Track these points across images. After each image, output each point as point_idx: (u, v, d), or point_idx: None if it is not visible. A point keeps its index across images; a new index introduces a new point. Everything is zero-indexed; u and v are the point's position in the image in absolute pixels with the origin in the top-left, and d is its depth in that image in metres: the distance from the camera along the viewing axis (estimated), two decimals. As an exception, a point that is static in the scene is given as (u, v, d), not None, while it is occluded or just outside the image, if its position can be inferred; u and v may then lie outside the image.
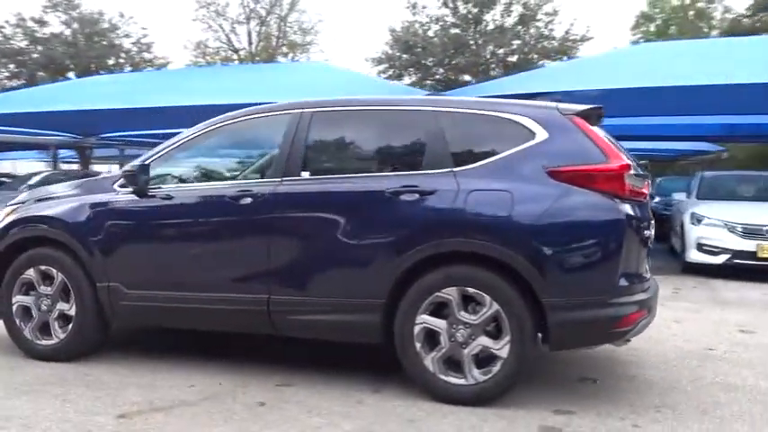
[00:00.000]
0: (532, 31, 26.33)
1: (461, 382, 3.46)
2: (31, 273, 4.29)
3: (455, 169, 3.55)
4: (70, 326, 4.21)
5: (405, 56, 26.60)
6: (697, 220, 8.86)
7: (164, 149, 4.19)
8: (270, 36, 31.88)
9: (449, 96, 3.88)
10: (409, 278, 3.54)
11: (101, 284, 4.12)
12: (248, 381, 3.86)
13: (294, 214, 3.77)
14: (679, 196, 10.70)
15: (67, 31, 32.41)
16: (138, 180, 3.99)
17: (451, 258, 3.50)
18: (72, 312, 4.20)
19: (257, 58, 30.22)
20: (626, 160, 3.44)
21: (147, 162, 4.07)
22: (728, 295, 7.37)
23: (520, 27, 26.48)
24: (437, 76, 26.59)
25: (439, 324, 3.49)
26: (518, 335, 3.36)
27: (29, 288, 4.33)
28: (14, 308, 4.33)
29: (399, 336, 3.55)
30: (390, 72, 26.31)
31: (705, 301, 6.92)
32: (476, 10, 26.37)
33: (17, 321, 4.33)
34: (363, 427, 3.20)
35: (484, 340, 3.43)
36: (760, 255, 8.35)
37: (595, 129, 3.60)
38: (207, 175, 4.31)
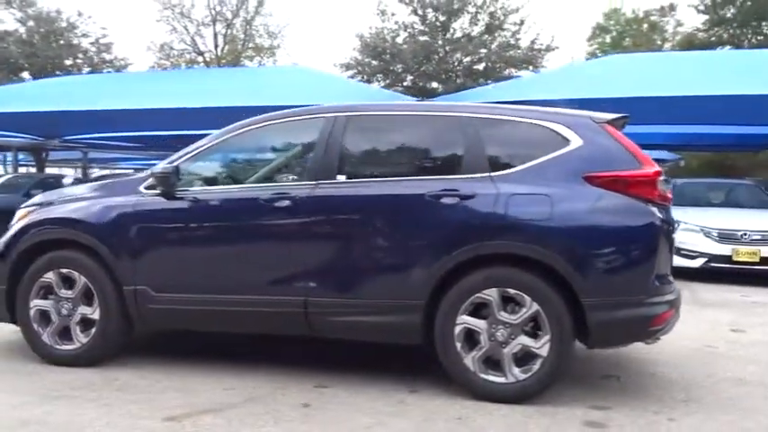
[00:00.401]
0: (500, 40, 26.77)
1: (502, 380, 3.56)
2: (50, 276, 4.19)
3: (493, 174, 3.66)
4: (93, 330, 4.14)
5: (374, 62, 26.70)
6: (674, 225, 9.20)
7: (193, 151, 4.17)
8: (235, 39, 31.55)
9: (483, 103, 3.96)
10: (449, 279, 3.63)
11: (127, 288, 4.06)
12: (284, 383, 3.87)
13: (333, 217, 3.81)
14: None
15: (22, 30, 31.43)
16: (171, 182, 3.96)
17: (491, 260, 3.60)
18: (95, 316, 4.13)
19: (223, 62, 29.85)
20: (657, 166, 3.61)
21: (177, 164, 4.05)
22: (709, 297, 7.68)
23: (486, 36, 26.90)
24: (405, 83, 26.77)
25: (479, 324, 3.59)
26: (558, 334, 3.48)
27: (47, 292, 4.24)
28: (32, 312, 4.23)
29: (440, 336, 3.62)
30: (359, 78, 26.36)
31: (691, 303, 7.19)
32: (443, 18, 26.69)
33: (35, 326, 4.24)
34: (414, 425, 3.26)
35: (524, 339, 3.54)
36: (735, 258, 8.74)
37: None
38: (237, 178, 4.29)
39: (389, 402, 3.58)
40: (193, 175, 4.17)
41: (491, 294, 3.56)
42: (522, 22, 26.53)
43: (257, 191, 3.99)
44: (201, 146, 4.18)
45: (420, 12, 26.40)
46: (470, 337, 3.62)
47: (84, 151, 22.05)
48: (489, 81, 25.79)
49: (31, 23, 31.36)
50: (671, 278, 3.76)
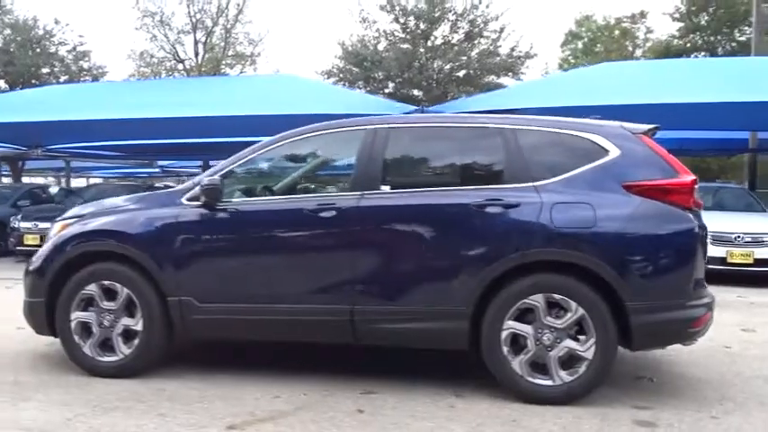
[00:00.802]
0: (481, 47, 27.09)
1: (549, 383, 3.68)
2: (92, 288, 4.21)
3: (536, 183, 3.79)
4: (136, 341, 4.17)
5: (355, 69, 26.82)
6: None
7: (234, 164, 4.24)
8: (214, 47, 31.43)
9: (522, 115, 4.10)
10: (494, 286, 3.74)
11: (172, 299, 4.10)
12: (330, 389, 3.94)
13: (379, 226, 3.90)
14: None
15: (-1, 38, 30.94)
16: (218, 194, 4.02)
17: (536, 267, 3.72)
18: (138, 327, 4.16)
19: (203, 69, 29.72)
20: (693, 175, 3.78)
21: (222, 175, 4.11)
22: (709, 299, 7.92)
23: (466, 44, 27.21)
24: (388, 90, 26.92)
25: (526, 329, 3.71)
26: (603, 337, 3.61)
27: (87, 304, 4.25)
28: (72, 324, 4.25)
29: (487, 341, 3.73)
30: (341, 85, 26.44)
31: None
32: (424, 26, 26.93)
33: (76, 338, 4.25)
34: (472, 428, 3.36)
35: (569, 343, 3.67)
36: (729, 260, 9.04)
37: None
38: (279, 189, 4.36)
39: (440, 407, 3.67)
40: (235, 187, 4.23)
41: (537, 300, 3.68)
42: (501, 30, 26.90)
43: (302, 202, 4.07)
44: (243, 158, 4.24)
45: (402, 20, 26.60)
46: (516, 342, 3.73)
47: (67, 160, 21.81)
48: (470, 89, 26.17)
49: (7, 31, 30.86)
50: (705, 282, 3.92)
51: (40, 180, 27.31)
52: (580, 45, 41.50)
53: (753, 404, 3.79)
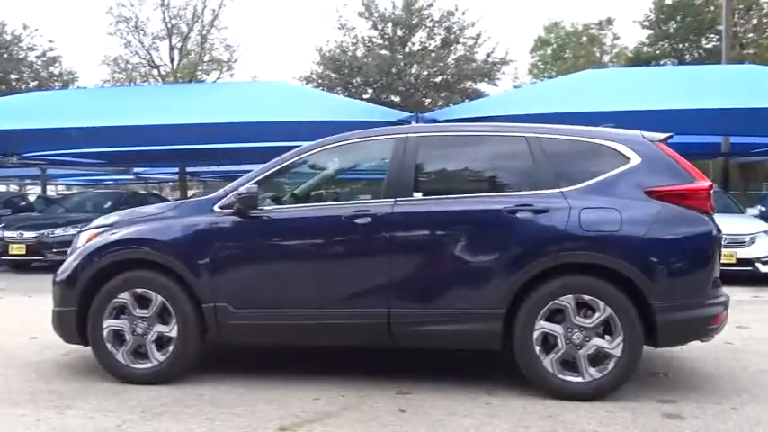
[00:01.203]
0: (459, 53, 27.51)
1: (579, 379, 3.87)
2: (125, 296, 4.27)
3: (563, 189, 3.98)
4: (170, 348, 4.23)
5: (334, 75, 26.98)
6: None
7: (265, 172, 4.34)
8: (190, 53, 31.23)
9: (545, 124, 4.29)
10: (526, 288, 3.92)
11: (207, 305, 4.18)
12: (366, 391, 4.06)
13: (414, 232, 4.05)
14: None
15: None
16: (255, 202, 4.12)
17: (565, 269, 3.91)
18: (172, 334, 4.22)
19: (179, 75, 29.51)
20: (709, 180, 4.01)
21: (257, 184, 4.21)
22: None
23: (443, 50, 27.61)
24: (366, 96, 27.14)
25: (556, 329, 3.89)
26: (630, 335, 3.81)
27: (119, 312, 4.31)
28: (105, 332, 4.29)
29: (520, 341, 3.90)
30: (319, 91, 26.56)
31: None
32: (401, 32, 27.25)
33: (108, 346, 4.30)
34: (514, 424, 3.52)
35: (598, 341, 3.86)
36: (716, 261, 9.38)
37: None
38: (311, 196, 4.48)
39: (476, 405, 3.83)
40: (269, 194, 4.34)
41: (567, 301, 3.87)
42: (478, 36, 27.37)
43: (337, 209, 4.19)
44: (276, 166, 4.35)
45: (380, 26, 26.86)
46: (547, 341, 3.91)
47: (43, 168, 21.45)
48: (448, 94, 26.53)
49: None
50: (720, 282, 4.16)
51: (12, 188, 26.76)
52: (549, 51, 42.34)
53: (766, 395, 4.03)
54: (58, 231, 12.16)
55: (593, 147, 4.12)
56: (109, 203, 14.48)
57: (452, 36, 27.55)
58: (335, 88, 27.52)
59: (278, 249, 4.22)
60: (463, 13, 27.31)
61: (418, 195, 4.12)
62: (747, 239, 9.70)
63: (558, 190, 3.98)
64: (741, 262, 9.42)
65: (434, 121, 10.21)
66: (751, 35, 25.46)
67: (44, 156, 18.61)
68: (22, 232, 11.94)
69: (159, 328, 4.25)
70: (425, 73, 27.67)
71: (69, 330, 4.40)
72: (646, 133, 4.17)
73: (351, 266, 4.11)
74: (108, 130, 11.89)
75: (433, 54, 27.10)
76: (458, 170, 4.43)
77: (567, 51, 41.29)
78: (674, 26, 26.71)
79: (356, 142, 4.41)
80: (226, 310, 4.17)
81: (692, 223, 3.92)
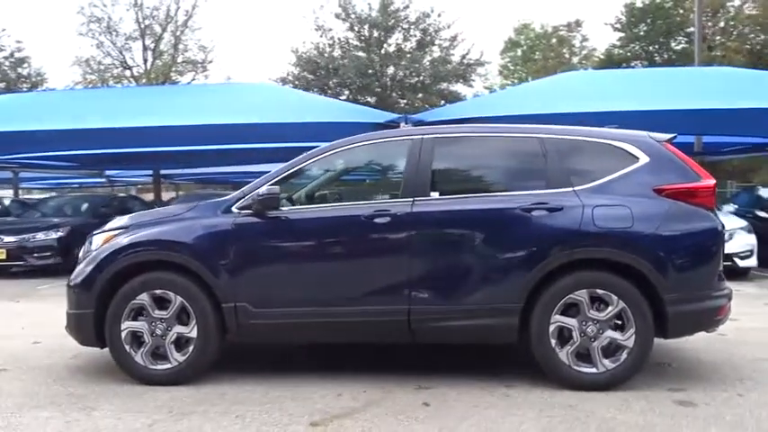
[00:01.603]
0: (435, 55, 27.76)
1: (593, 370, 4.02)
2: (144, 297, 4.29)
3: (575, 188, 4.13)
4: (190, 348, 4.27)
5: (310, 76, 26.99)
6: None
7: (283, 173, 4.40)
8: (164, 53, 30.90)
9: (555, 125, 4.44)
10: (541, 284, 4.06)
11: (227, 305, 4.23)
12: (386, 387, 4.15)
13: (433, 230, 4.16)
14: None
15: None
16: (276, 203, 4.18)
17: (578, 264, 4.06)
18: (192, 335, 4.26)
19: (152, 76, 29.17)
20: (713, 179, 4.21)
21: (277, 185, 4.27)
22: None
23: (419, 51, 27.82)
24: (342, 98, 27.18)
25: (571, 322, 4.03)
26: (642, 327, 3.98)
27: (137, 313, 4.33)
28: (123, 334, 4.31)
29: (536, 335, 4.04)
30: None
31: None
32: (376, 34, 27.39)
33: (127, 348, 4.31)
34: (537, 413, 3.66)
35: (611, 333, 4.02)
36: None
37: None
38: (328, 197, 4.56)
39: (497, 397, 3.95)
40: (284, 195, 4.40)
41: (581, 295, 4.02)
42: (454, 38, 27.64)
43: (357, 209, 4.27)
44: (293, 167, 4.42)
45: (356, 27, 26.96)
46: (562, 334, 4.06)
47: (16, 171, 21.03)
48: (425, 95, 26.75)
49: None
50: (723, 275, 4.35)
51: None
52: (519, 53, 42.91)
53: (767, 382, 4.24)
54: (40, 236, 11.97)
55: (604, 147, 4.28)
56: (86, 206, 14.31)
57: (428, 38, 27.79)
58: (312, 89, 27.51)
59: (298, 249, 4.29)
60: (439, 15, 27.64)
61: (435, 195, 4.23)
62: (726, 236, 9.99)
63: (570, 189, 4.13)
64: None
65: (422, 122, 10.37)
66: (718, 38, 26.21)
67: (15, 159, 18.24)
68: (2, 237, 11.72)
69: (178, 328, 4.28)
70: (401, 74, 27.85)
71: (87, 333, 4.39)
72: (652, 134, 4.35)
73: (371, 265, 4.20)
74: (82, 132, 11.68)
75: (409, 55, 27.30)
76: (472, 170, 4.56)
77: (537, 53, 41.90)
78: (645, 29, 27.35)
79: (372, 144, 4.51)
80: (246, 309, 4.22)
81: (699, 219, 4.10)
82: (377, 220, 4.16)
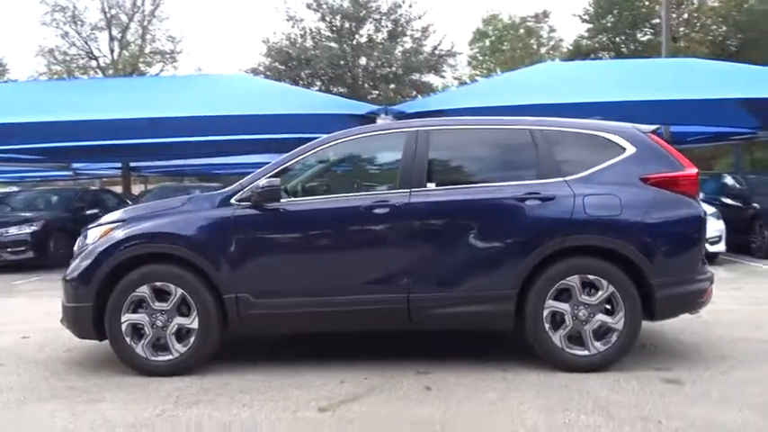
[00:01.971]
0: (407, 46, 27.79)
1: (585, 353, 4.19)
2: (144, 290, 4.32)
3: (566, 178, 4.29)
4: (191, 339, 4.32)
5: (282, 67, 26.80)
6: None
7: (281, 165, 4.46)
8: (131, 44, 30.34)
9: (545, 117, 4.59)
10: (536, 270, 4.21)
11: (228, 296, 4.29)
12: (387, 372, 4.26)
13: (431, 220, 4.28)
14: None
15: None
16: (277, 195, 4.25)
17: (570, 251, 4.22)
18: (193, 326, 4.31)
19: (119, 67, 28.63)
20: (695, 168, 4.40)
21: (277, 176, 4.33)
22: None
23: (390, 42, 27.83)
24: (314, 89, 27.09)
25: (564, 307, 4.20)
26: (631, 310, 4.17)
27: (137, 306, 4.36)
28: (123, 327, 4.33)
29: (531, 320, 4.20)
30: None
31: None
32: (348, 24, 27.33)
33: (127, 340, 4.34)
34: (537, 394, 3.81)
35: (601, 317, 4.20)
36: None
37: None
38: (327, 188, 4.64)
39: (495, 379, 4.10)
40: (284, 186, 4.46)
41: (573, 281, 4.19)
42: (425, 29, 27.70)
43: (356, 200, 4.36)
44: (291, 159, 4.48)
45: (328, 18, 26.84)
46: (555, 319, 4.22)
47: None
48: (397, 86, 26.81)
49: None
50: (706, 260, 4.56)
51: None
52: (488, 43, 43.21)
53: (748, 360, 4.47)
54: (12, 230, 11.79)
55: (592, 138, 4.44)
56: (59, 200, 14.07)
57: (400, 28, 27.81)
58: (284, 80, 27.33)
59: (298, 240, 4.36)
60: (410, 6, 27.63)
61: (432, 186, 4.35)
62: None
63: (562, 179, 4.29)
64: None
65: (402, 113, 10.47)
66: (682, 29, 26.83)
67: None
68: (-21, 234, 11.49)
69: (179, 320, 4.33)
70: (373, 65, 27.84)
71: (85, 326, 4.41)
72: (637, 125, 4.53)
73: (370, 255, 4.30)
74: (48, 125, 11.40)
75: (381, 46, 27.29)
76: (467, 161, 4.67)
77: (506, 44, 42.22)
78: (612, 20, 27.81)
79: (368, 136, 4.60)
80: (247, 300, 4.28)
81: (683, 206, 4.30)
82: (376, 211, 4.26)
